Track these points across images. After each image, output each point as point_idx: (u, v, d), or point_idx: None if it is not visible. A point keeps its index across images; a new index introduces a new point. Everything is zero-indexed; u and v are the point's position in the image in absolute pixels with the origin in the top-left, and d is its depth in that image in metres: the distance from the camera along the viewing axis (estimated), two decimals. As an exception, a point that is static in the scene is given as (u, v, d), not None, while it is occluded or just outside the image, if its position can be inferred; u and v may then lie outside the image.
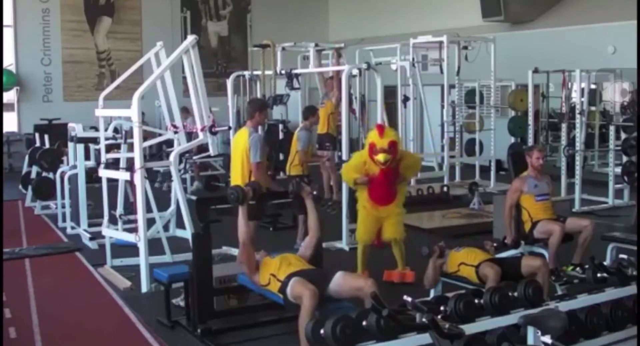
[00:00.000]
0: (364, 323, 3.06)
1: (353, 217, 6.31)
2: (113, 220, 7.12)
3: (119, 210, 7.09)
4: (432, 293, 5.03)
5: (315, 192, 4.84)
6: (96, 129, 8.56)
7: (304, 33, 15.25)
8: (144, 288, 5.80)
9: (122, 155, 7.27)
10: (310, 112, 7.78)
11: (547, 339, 3.12)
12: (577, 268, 5.62)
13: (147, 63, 7.89)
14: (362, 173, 5.66)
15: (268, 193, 5.68)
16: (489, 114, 11.67)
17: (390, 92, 11.64)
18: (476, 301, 3.41)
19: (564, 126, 9.75)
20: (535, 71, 9.91)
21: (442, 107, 10.94)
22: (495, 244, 5.38)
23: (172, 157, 6.63)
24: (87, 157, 8.42)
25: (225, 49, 17.48)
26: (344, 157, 7.12)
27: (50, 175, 9.42)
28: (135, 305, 5.47)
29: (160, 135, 8.40)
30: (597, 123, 10.97)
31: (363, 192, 5.76)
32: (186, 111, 8.80)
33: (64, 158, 9.16)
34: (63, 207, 8.58)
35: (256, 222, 5.65)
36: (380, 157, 5.47)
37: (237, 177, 5.79)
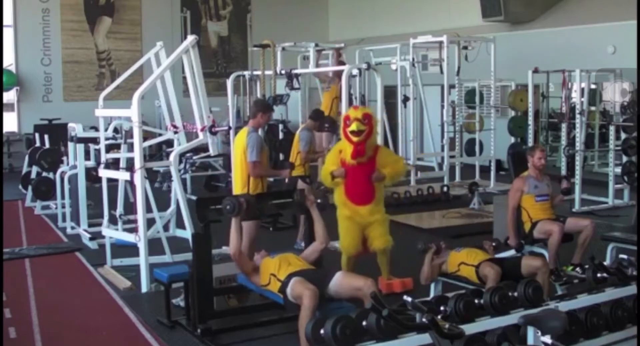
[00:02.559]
0: (364, 323, 3.06)
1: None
2: (113, 220, 7.13)
3: (119, 210, 7.10)
4: (432, 293, 5.04)
5: (319, 200, 4.80)
6: (96, 129, 8.57)
7: (304, 33, 15.25)
8: (144, 288, 5.80)
9: (122, 155, 7.28)
10: (317, 115, 7.76)
11: (547, 339, 3.11)
12: (577, 268, 5.62)
13: (147, 63, 7.90)
14: (338, 165, 5.41)
15: (268, 193, 5.69)
16: (489, 114, 11.66)
17: (390, 92, 11.65)
18: (476, 301, 3.41)
19: (564, 126, 9.74)
20: (535, 71, 9.91)
21: (442, 107, 10.94)
22: (494, 244, 5.38)
23: (172, 157, 6.63)
24: (87, 157, 8.42)
25: (225, 49, 17.48)
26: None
27: (50, 175, 9.43)
28: (135, 305, 5.47)
29: (160, 135, 8.41)
30: (597, 123, 10.97)
31: (339, 189, 5.49)
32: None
33: (64, 158, 9.16)
34: (63, 207, 8.58)
35: (257, 222, 5.66)
36: (354, 126, 5.20)
37: (237, 176, 5.81)
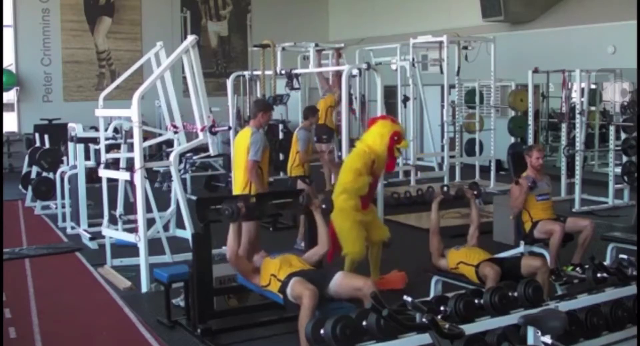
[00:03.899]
0: (364, 323, 3.06)
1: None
2: (113, 220, 7.12)
3: (119, 210, 7.10)
4: (432, 293, 5.05)
5: (324, 205, 4.79)
6: (96, 129, 8.57)
7: (304, 33, 15.25)
8: (144, 288, 5.80)
9: (122, 155, 7.28)
10: (310, 112, 7.77)
11: (547, 339, 3.11)
12: (577, 268, 5.63)
13: (147, 63, 7.90)
14: (370, 175, 5.38)
15: (268, 193, 5.69)
16: (489, 114, 11.66)
17: (390, 92, 11.65)
18: (476, 301, 3.41)
19: (564, 126, 9.75)
20: (535, 71, 9.91)
21: (442, 107, 10.93)
22: (475, 192, 5.43)
23: (172, 157, 6.63)
24: (87, 157, 8.43)
25: (225, 49, 17.49)
26: (344, 157, 7.11)
27: (50, 175, 9.43)
28: (135, 305, 5.47)
29: (160, 135, 8.40)
30: (597, 123, 10.97)
31: (355, 198, 5.36)
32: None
33: (64, 158, 9.16)
34: (63, 207, 8.58)
35: (256, 222, 5.65)
36: (405, 144, 5.47)
37: (240, 176, 5.79)
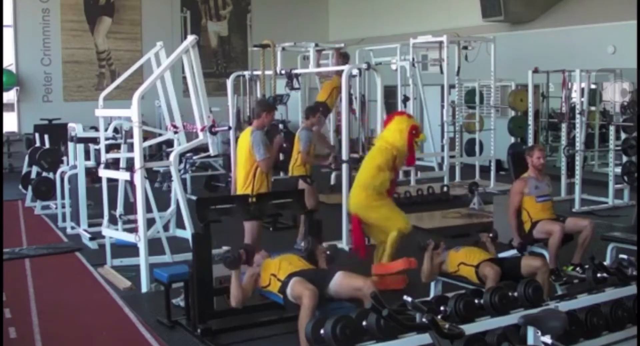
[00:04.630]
0: (364, 323, 3.06)
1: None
2: (113, 220, 7.12)
3: (119, 210, 7.10)
4: (432, 293, 5.04)
5: (328, 252, 4.78)
6: (96, 129, 8.57)
7: (304, 33, 15.26)
8: (144, 288, 5.80)
9: (122, 155, 7.28)
10: (311, 112, 7.77)
11: (547, 339, 3.11)
12: (577, 268, 5.63)
13: (147, 63, 7.90)
14: (391, 170, 5.64)
15: (268, 193, 5.70)
16: (489, 114, 11.67)
17: (390, 92, 11.65)
18: (476, 301, 3.41)
19: (564, 126, 9.75)
20: (535, 71, 9.91)
21: (442, 107, 10.94)
22: (491, 235, 5.38)
23: (172, 157, 6.63)
24: (87, 157, 8.42)
25: (225, 49, 17.49)
26: (344, 157, 7.12)
27: (50, 175, 9.43)
28: (135, 305, 5.47)
29: (160, 135, 8.41)
30: (597, 123, 10.98)
31: (384, 191, 5.67)
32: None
33: (64, 158, 9.16)
34: (63, 207, 8.58)
35: (259, 223, 5.66)
36: (423, 136, 5.79)
37: (242, 176, 5.81)
